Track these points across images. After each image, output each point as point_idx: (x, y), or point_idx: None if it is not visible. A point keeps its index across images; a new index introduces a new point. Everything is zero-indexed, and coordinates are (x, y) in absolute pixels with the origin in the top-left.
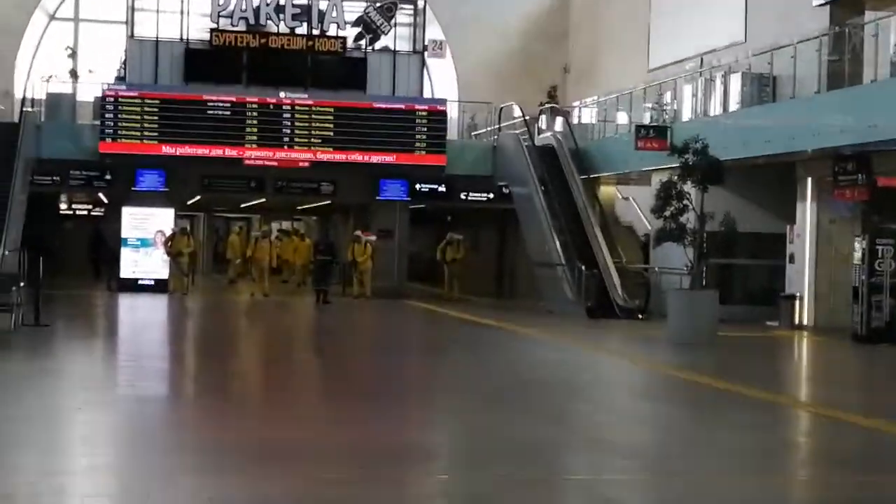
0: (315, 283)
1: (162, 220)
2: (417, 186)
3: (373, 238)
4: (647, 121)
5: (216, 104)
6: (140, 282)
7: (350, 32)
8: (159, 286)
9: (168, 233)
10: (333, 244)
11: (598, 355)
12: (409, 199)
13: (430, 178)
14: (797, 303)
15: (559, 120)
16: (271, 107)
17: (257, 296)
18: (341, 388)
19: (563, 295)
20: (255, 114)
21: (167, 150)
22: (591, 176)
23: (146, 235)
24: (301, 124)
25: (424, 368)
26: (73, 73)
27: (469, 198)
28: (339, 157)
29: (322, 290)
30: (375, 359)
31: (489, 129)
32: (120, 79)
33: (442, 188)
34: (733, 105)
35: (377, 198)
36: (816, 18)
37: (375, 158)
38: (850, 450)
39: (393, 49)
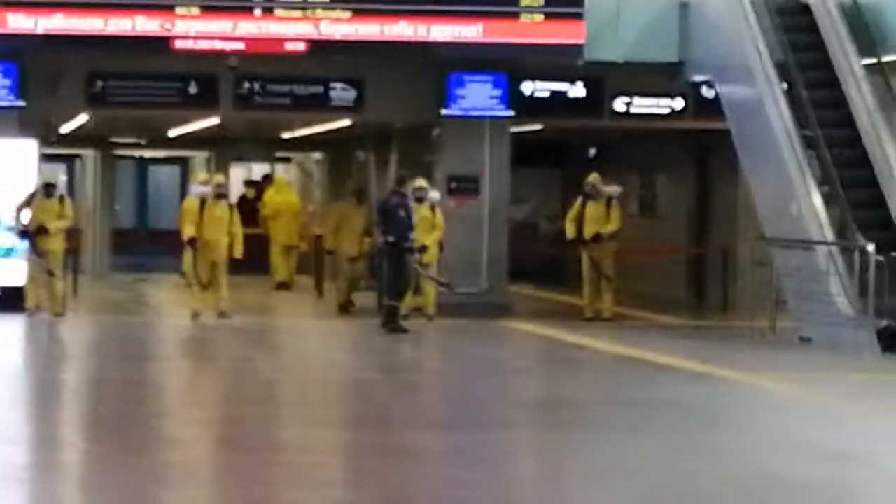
0: (387, 290)
1: (11, 163)
2: (527, 88)
3: (436, 196)
4: None
5: None
6: None
7: None
8: (8, 299)
9: (25, 193)
10: (407, 207)
11: None
12: (510, 113)
13: (552, 72)
14: None
15: None
16: None
17: (206, 317)
18: None
19: (829, 305)
20: None
21: (19, 22)
22: (890, 60)
23: None
24: None
25: (558, 460)
26: None
27: (632, 109)
28: (367, 30)
29: (391, 305)
30: (450, 439)
31: None
32: None
33: (578, 90)
34: None
35: (445, 112)
36: None
37: (440, 31)
38: None
39: None
